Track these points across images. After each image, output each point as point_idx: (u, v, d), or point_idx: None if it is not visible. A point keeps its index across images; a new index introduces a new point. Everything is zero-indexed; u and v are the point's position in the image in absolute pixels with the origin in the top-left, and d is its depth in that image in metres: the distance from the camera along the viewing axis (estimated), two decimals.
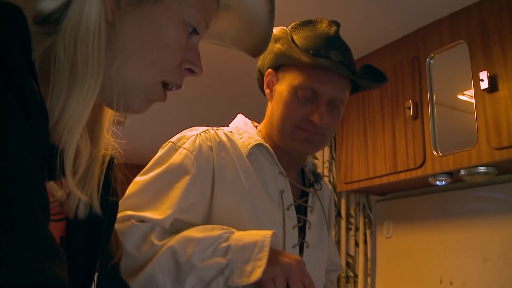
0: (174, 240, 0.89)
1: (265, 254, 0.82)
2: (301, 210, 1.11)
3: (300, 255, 1.07)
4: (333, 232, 2.10)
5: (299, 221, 1.09)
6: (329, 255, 1.24)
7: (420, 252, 2.00)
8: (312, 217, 1.13)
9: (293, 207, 1.08)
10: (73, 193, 0.53)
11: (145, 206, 0.95)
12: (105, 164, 0.59)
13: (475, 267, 1.76)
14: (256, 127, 1.14)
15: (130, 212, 0.92)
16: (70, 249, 0.54)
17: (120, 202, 0.97)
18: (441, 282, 1.87)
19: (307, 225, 1.11)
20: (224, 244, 0.86)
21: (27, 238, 0.40)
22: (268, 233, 0.87)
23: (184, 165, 0.99)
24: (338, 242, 2.15)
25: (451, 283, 1.84)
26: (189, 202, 0.97)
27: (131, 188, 0.99)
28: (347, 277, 2.13)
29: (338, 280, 2.10)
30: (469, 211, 1.84)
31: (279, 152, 1.09)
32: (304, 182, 1.18)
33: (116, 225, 0.90)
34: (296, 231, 1.07)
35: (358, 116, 2.06)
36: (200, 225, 0.98)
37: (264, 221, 1.02)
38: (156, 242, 0.90)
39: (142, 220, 0.92)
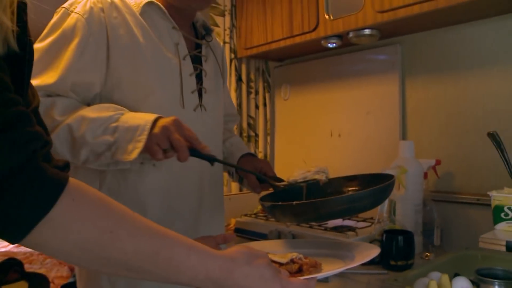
0: (71, 118, 1.01)
1: (143, 137, 0.96)
2: (197, 61, 1.24)
3: (199, 100, 1.22)
4: (235, 95, 2.24)
5: (196, 69, 1.22)
6: (225, 106, 1.40)
7: (313, 111, 2.21)
8: (207, 66, 1.27)
9: (188, 57, 1.20)
10: None
11: (41, 72, 1.04)
12: (15, 4, 0.61)
13: (359, 120, 2.00)
14: None
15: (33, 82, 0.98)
16: None
17: None
18: (331, 135, 2.12)
19: (203, 73, 1.24)
20: (114, 124, 0.99)
21: None
22: (151, 118, 0.99)
23: (76, 28, 1.07)
24: (240, 105, 2.30)
25: (339, 135, 2.09)
26: (84, 62, 1.06)
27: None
28: (249, 136, 2.32)
29: None
30: (356, 72, 2.03)
31: (170, 10, 1.19)
32: (197, 36, 1.30)
33: None
34: (193, 78, 1.21)
35: None
36: (98, 89, 1.09)
37: (162, 70, 1.14)
38: (56, 117, 1.01)
39: (48, 94, 1.03)
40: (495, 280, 1.17)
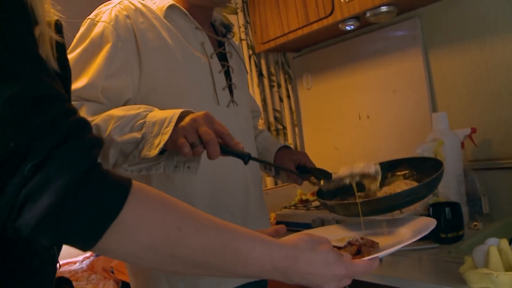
0: (99, 118, 0.99)
1: (170, 129, 0.89)
2: (222, 58, 1.26)
3: (231, 96, 1.24)
4: (258, 91, 2.24)
5: (223, 67, 1.24)
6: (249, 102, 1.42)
7: (338, 96, 2.20)
8: (232, 62, 1.30)
9: (215, 55, 1.23)
10: None
11: (74, 80, 1.04)
12: (52, 27, 0.62)
13: (386, 100, 1.98)
14: None
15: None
16: None
17: None
18: (359, 118, 2.10)
19: (230, 69, 1.26)
20: (141, 121, 0.96)
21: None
22: (178, 110, 0.94)
23: (104, 36, 1.08)
24: (264, 100, 2.30)
25: (368, 117, 2.07)
26: (115, 68, 1.07)
27: None
28: (277, 130, 2.32)
29: None
30: (377, 51, 2.02)
31: (191, 11, 1.21)
32: (217, 35, 1.33)
33: None
34: (222, 75, 1.23)
35: None
36: (131, 94, 1.09)
37: (194, 69, 1.16)
38: (86, 118, 0.99)
39: (77, 99, 1.03)
40: None
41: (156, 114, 0.95)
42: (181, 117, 0.92)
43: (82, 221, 0.52)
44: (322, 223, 1.69)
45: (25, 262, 0.62)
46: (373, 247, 0.88)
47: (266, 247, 0.66)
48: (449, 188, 1.53)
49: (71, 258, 3.57)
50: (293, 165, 1.36)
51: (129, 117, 0.96)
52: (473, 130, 1.63)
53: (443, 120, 1.58)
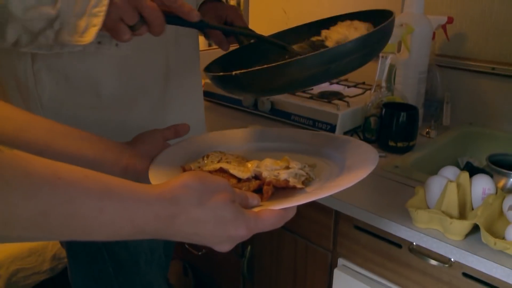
0: None
1: (102, 10, 0.66)
2: None
3: None
4: None
5: None
6: None
7: None
8: None
9: None
10: None
11: None
12: None
13: None
14: None
15: None
16: None
17: None
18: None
19: None
20: None
21: None
22: None
23: None
24: None
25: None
26: None
27: None
28: None
29: None
30: None
31: None
32: None
33: None
34: None
35: None
36: None
37: None
38: None
39: None
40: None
41: None
42: None
43: None
44: (255, 102, 1.44)
45: None
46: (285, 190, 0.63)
47: (123, 207, 0.45)
48: (408, 85, 1.31)
49: None
50: (217, 23, 1.05)
51: None
52: (450, 20, 1.37)
53: (419, 2, 1.30)
